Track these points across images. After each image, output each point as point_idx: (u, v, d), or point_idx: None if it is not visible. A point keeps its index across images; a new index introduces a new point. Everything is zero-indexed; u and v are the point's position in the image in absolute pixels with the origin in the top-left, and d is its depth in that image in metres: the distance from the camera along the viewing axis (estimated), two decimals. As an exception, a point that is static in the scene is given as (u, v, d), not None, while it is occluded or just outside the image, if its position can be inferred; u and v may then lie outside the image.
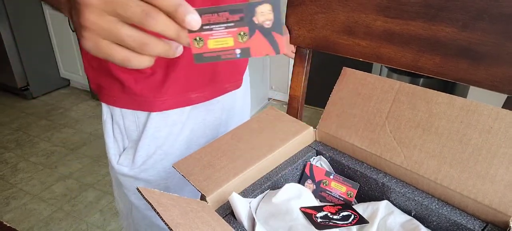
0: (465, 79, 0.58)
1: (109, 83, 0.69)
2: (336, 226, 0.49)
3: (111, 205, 2.04)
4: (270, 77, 3.06)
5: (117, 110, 0.71)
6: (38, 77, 3.22)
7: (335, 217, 0.51)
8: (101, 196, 2.11)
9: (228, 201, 0.51)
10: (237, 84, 0.81)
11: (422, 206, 0.50)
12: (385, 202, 0.53)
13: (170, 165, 0.72)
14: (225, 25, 0.36)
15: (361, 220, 0.50)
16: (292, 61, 1.45)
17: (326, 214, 0.51)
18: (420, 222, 0.50)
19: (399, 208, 0.53)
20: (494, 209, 0.45)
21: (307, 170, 0.61)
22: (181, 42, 0.35)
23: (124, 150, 0.74)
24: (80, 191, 2.16)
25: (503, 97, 0.58)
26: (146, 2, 0.32)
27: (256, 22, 0.36)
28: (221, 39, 0.36)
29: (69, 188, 2.19)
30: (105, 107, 0.73)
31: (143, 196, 0.40)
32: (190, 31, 0.35)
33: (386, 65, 0.64)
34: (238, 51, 0.37)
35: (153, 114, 0.70)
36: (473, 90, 1.99)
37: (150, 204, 0.39)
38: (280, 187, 0.55)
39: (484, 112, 0.49)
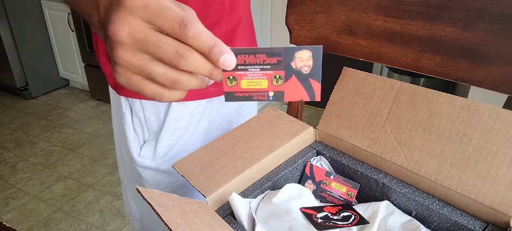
0: (465, 79, 0.57)
1: None
2: (337, 226, 0.49)
3: (110, 205, 2.04)
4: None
5: (137, 102, 0.72)
6: (38, 77, 3.22)
7: (335, 217, 0.51)
8: (101, 196, 2.11)
9: (228, 202, 0.51)
10: None
11: (422, 207, 0.50)
12: (385, 203, 0.53)
13: None
14: (261, 67, 0.35)
15: (361, 221, 0.50)
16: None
17: (326, 215, 0.51)
18: (421, 223, 0.50)
19: (400, 208, 0.53)
20: (495, 210, 0.45)
21: (307, 170, 0.60)
22: (214, 79, 0.35)
23: (144, 143, 0.75)
24: (79, 191, 2.16)
25: (503, 97, 0.58)
26: (179, 41, 0.32)
27: (294, 67, 0.35)
28: (255, 80, 0.36)
29: (69, 188, 2.18)
30: (124, 101, 0.73)
31: (142, 196, 0.40)
32: (224, 70, 0.34)
33: (387, 65, 0.64)
34: (271, 93, 0.36)
35: (173, 104, 0.71)
36: (474, 90, 1.99)
37: (150, 204, 0.39)
38: (280, 187, 0.54)
39: (485, 112, 0.49)
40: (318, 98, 0.36)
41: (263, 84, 0.36)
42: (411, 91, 0.56)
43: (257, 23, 2.70)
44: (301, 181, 0.61)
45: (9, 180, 2.26)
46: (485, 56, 0.55)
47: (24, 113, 3.01)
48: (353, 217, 0.51)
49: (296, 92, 0.36)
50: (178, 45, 0.32)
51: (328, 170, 0.60)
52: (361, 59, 0.67)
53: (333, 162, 0.61)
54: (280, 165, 0.60)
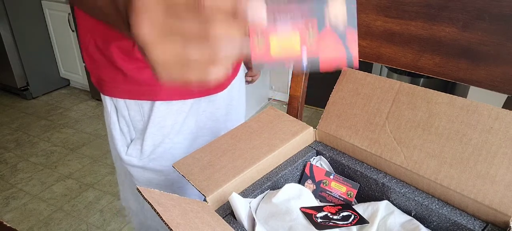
0: (465, 79, 0.58)
1: (111, 75, 0.70)
2: (336, 226, 0.49)
3: (111, 205, 2.04)
4: (270, 77, 3.06)
5: (121, 102, 0.72)
6: (38, 77, 3.22)
7: (335, 217, 0.51)
8: (101, 196, 2.11)
9: (228, 201, 0.51)
10: (236, 72, 0.83)
11: (422, 206, 0.50)
12: (385, 202, 0.53)
13: (179, 155, 0.73)
14: (291, 16, 0.31)
15: (361, 220, 0.50)
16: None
17: (326, 214, 0.51)
18: (420, 222, 0.50)
19: (399, 208, 0.53)
20: (494, 209, 0.45)
21: (307, 170, 0.61)
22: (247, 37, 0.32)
23: (131, 141, 0.75)
24: (80, 191, 2.16)
25: (503, 97, 0.58)
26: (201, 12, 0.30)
27: (327, 15, 0.31)
28: (285, 39, 0.31)
29: (69, 188, 2.18)
30: (108, 101, 0.73)
31: (142, 196, 0.40)
32: (252, 27, 0.31)
33: (386, 65, 0.64)
34: (305, 62, 0.32)
35: (158, 103, 0.71)
36: (473, 90, 1.98)
37: (150, 204, 0.39)
38: (280, 187, 0.55)
39: (484, 112, 0.49)
40: (356, 58, 0.32)
41: (295, 41, 0.31)
42: (410, 92, 0.56)
43: (257, 23, 2.69)
44: (301, 181, 0.61)
45: (9, 180, 2.26)
46: (485, 56, 0.55)
47: (24, 114, 3.01)
48: (352, 216, 0.51)
49: (331, 50, 0.31)
50: (201, 16, 0.30)
51: (328, 169, 0.60)
52: (361, 59, 0.67)
53: (333, 162, 0.61)
54: (280, 165, 0.60)
